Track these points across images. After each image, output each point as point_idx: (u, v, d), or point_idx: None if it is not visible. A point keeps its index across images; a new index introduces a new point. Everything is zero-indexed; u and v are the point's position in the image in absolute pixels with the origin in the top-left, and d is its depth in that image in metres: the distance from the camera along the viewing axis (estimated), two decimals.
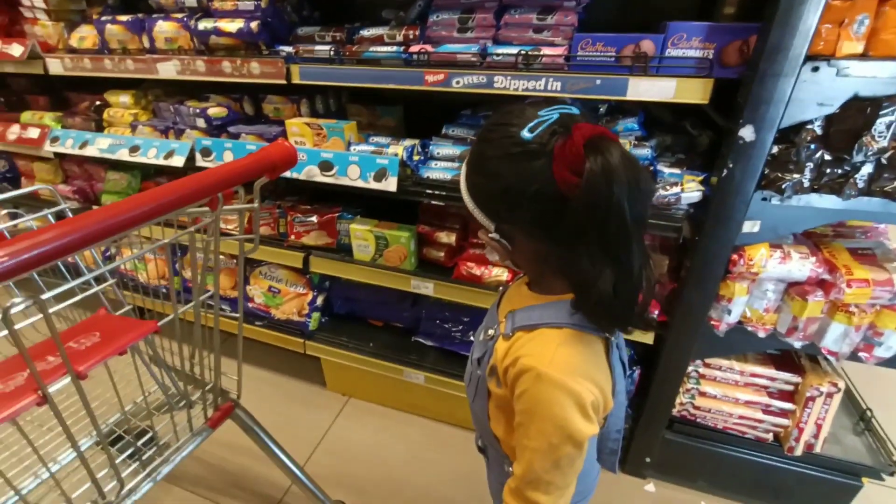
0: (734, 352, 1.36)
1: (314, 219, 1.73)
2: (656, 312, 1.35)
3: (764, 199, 1.09)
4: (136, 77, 1.70)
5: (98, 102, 1.88)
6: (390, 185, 1.41)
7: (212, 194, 0.72)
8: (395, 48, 1.37)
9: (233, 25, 1.46)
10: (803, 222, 1.11)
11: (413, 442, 1.75)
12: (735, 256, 1.16)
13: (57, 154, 1.93)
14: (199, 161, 1.65)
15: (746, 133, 1.01)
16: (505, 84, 1.25)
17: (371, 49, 1.39)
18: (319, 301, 1.89)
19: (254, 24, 1.44)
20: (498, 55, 1.25)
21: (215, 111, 1.65)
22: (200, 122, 1.64)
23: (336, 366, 1.87)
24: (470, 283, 1.53)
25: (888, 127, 0.94)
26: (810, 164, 1.01)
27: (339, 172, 1.46)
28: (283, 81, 1.48)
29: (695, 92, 1.09)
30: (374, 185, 1.43)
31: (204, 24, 1.50)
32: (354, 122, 1.53)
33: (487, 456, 0.87)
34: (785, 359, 1.40)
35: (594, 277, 0.56)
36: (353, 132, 1.52)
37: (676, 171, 1.22)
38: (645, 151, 1.23)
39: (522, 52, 1.21)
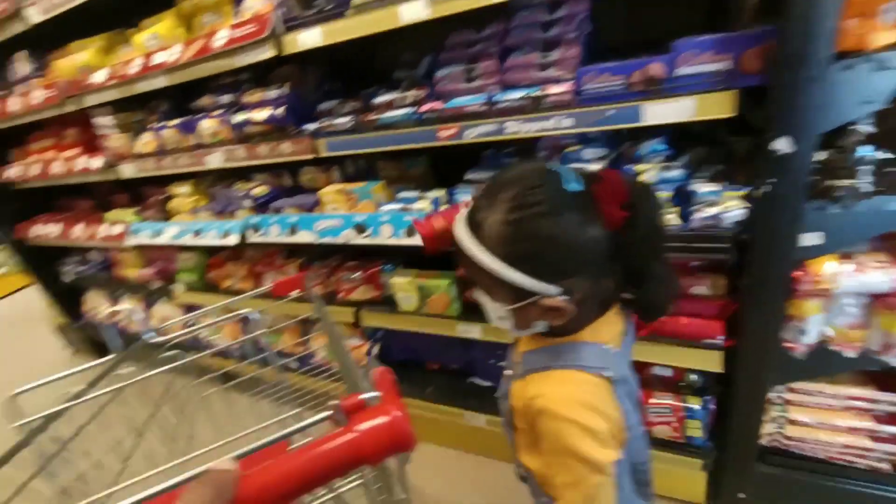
0: (821, 374, 1.21)
1: (359, 275, 1.80)
2: (721, 338, 1.25)
3: (819, 209, 0.98)
4: (190, 171, 1.90)
5: (164, 196, 2.12)
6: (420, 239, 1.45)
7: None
8: (407, 110, 1.42)
9: (262, 114, 1.60)
10: (874, 228, 0.98)
11: (487, 487, 1.73)
12: (798, 273, 1.05)
13: (136, 246, 2.19)
14: (252, 237, 1.79)
15: (782, 145, 0.92)
16: (516, 129, 1.24)
17: (386, 114, 1.45)
18: (375, 350, 1.95)
19: (279, 111, 1.57)
20: (505, 102, 1.25)
21: (258, 190, 1.80)
22: (247, 203, 1.80)
23: None
24: None
25: None
26: (866, 167, 0.90)
27: (373, 233, 1.52)
28: (312, 156, 1.59)
29: (719, 106, 1.02)
30: (406, 241, 1.47)
31: (238, 117, 1.65)
32: (382, 183, 1.59)
33: (529, 485, 0.90)
34: (890, 377, 1.22)
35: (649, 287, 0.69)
36: (381, 192, 1.59)
37: (714, 188, 1.13)
38: (675, 173, 1.16)
39: (529, 96, 1.21)
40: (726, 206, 1.08)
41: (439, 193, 1.54)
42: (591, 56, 1.22)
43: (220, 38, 1.48)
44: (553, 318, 0.66)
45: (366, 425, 0.37)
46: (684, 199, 1.16)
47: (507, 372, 0.79)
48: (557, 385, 0.67)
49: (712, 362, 1.26)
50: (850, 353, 1.11)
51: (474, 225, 0.65)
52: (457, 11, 1.14)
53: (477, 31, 1.37)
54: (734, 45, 0.98)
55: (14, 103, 2.14)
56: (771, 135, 0.92)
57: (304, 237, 1.65)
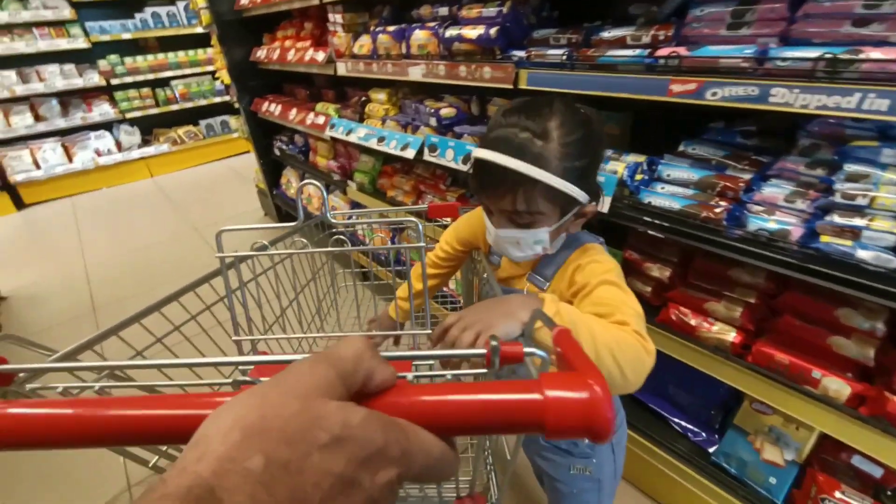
0: None
1: None
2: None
3: None
4: (393, 79, 1.96)
5: (363, 98, 2.27)
6: (604, 205, 1.26)
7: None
8: (638, 51, 1.19)
9: (474, 32, 1.51)
10: None
11: None
12: None
13: (332, 138, 2.42)
14: (426, 155, 1.81)
15: None
16: (788, 98, 0.93)
17: (609, 53, 1.24)
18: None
19: (493, 31, 1.46)
20: (784, 60, 0.94)
21: (446, 111, 1.77)
22: (433, 121, 1.80)
23: None
24: (679, 334, 1.26)
25: None
26: None
27: None
28: (511, 86, 1.47)
29: None
30: None
31: (450, 32, 1.60)
32: None
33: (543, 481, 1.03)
34: None
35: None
36: None
37: None
38: None
39: (828, 56, 0.87)
40: None
41: (640, 158, 1.30)
42: None
43: None
44: (579, 226, 0.83)
45: (559, 393, 0.28)
46: None
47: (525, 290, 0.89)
48: (600, 254, 0.84)
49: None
50: None
51: (530, 155, 0.69)
52: None
53: None
54: None
55: None
56: None
57: None
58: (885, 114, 0.82)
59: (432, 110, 1.80)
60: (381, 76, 2.01)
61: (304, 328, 1.21)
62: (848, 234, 0.89)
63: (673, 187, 1.20)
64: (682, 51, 1.10)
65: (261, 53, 2.92)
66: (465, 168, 1.64)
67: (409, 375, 0.46)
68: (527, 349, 0.38)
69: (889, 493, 1.07)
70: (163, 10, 5.39)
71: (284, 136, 3.25)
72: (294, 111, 2.70)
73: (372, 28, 2.02)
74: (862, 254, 0.87)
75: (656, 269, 1.37)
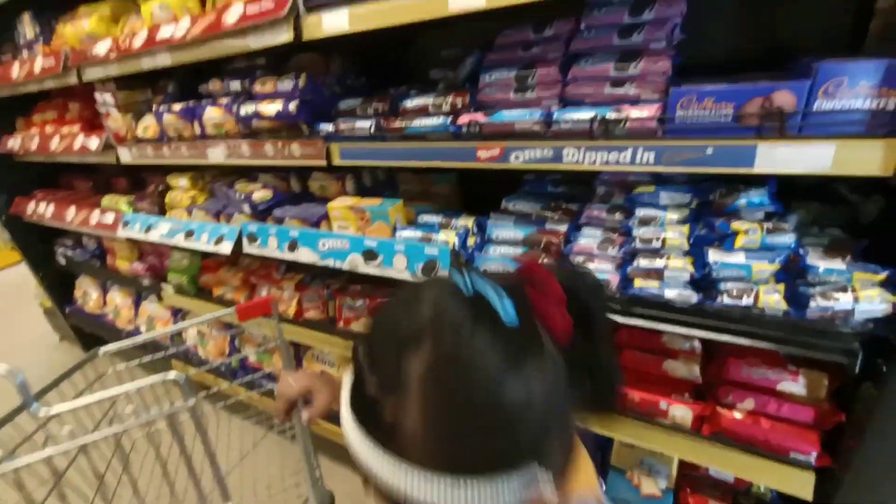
0: None
1: (364, 303, 1.56)
2: (814, 454, 0.96)
3: None
4: (190, 163, 1.69)
5: (161, 186, 1.91)
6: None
7: None
8: (442, 119, 1.17)
9: (272, 108, 1.37)
10: None
11: None
12: None
13: (128, 238, 1.98)
14: (247, 247, 1.56)
15: None
16: (577, 157, 0.98)
17: (416, 123, 1.21)
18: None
19: (292, 105, 1.33)
20: (566, 122, 0.99)
21: (260, 195, 1.57)
22: (246, 208, 1.57)
23: None
24: None
25: None
26: None
27: (385, 262, 1.27)
28: (324, 163, 1.35)
29: (868, 160, 0.74)
30: (423, 279, 1.22)
31: (246, 109, 1.43)
32: (401, 202, 1.34)
33: None
34: None
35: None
36: (399, 213, 1.34)
37: (839, 264, 0.85)
38: (786, 238, 0.88)
39: (600, 118, 0.94)
40: (860, 295, 0.79)
41: (467, 222, 1.28)
42: (681, 76, 0.95)
43: (233, 15, 1.26)
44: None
45: None
46: (794, 273, 0.88)
47: None
48: None
49: (800, 485, 0.97)
50: None
51: (377, 427, 0.42)
52: (519, 2, 0.89)
53: (535, 29, 1.11)
54: None
55: (17, 69, 1.97)
56: None
57: (304, 255, 1.41)
58: (654, 165, 0.90)
59: (243, 196, 1.57)
60: (175, 161, 1.72)
61: None
62: (654, 275, 0.95)
63: (504, 247, 1.20)
64: (480, 117, 1.11)
65: (13, 143, 2.31)
66: (293, 256, 1.44)
67: None
68: None
69: (744, 493, 1.16)
70: None
71: (69, 240, 2.60)
72: (73, 210, 2.17)
73: (155, 108, 1.73)
74: (668, 293, 0.93)
75: None
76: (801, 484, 0.97)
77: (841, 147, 0.75)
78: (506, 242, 1.20)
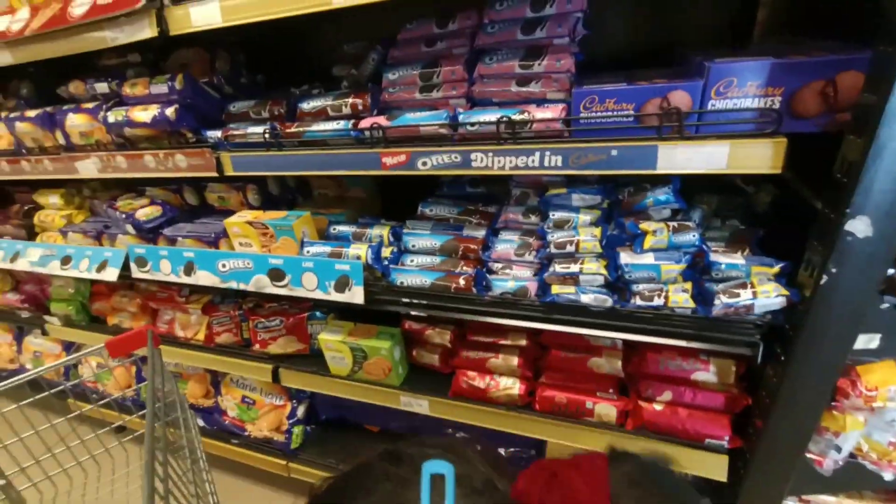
0: (846, 490, 0.99)
1: (280, 322, 1.43)
2: (726, 437, 1.00)
3: (892, 306, 0.73)
4: (57, 178, 1.44)
5: (27, 206, 1.63)
6: (355, 295, 1.10)
7: None
8: (343, 123, 1.07)
9: (146, 114, 1.18)
10: None
11: None
12: (845, 382, 0.80)
13: None
14: (136, 272, 1.37)
15: (858, 227, 0.66)
16: (486, 162, 0.92)
17: (314, 127, 1.09)
18: (300, 412, 1.58)
19: (170, 111, 1.16)
20: (473, 125, 0.93)
21: (146, 212, 1.37)
22: (130, 229, 1.37)
23: None
24: (473, 400, 1.20)
25: None
26: None
27: (293, 282, 1.16)
28: (215, 174, 1.19)
29: (759, 158, 0.75)
30: (335, 297, 1.12)
31: (116, 116, 1.23)
32: (307, 214, 1.22)
33: None
34: None
35: None
36: (306, 226, 1.22)
37: (738, 259, 0.87)
38: (690, 237, 0.88)
39: (505, 119, 0.89)
40: (758, 290, 0.81)
41: (382, 231, 1.20)
42: (584, 71, 0.92)
43: (81, 6, 1.06)
44: None
45: None
46: (700, 269, 0.89)
47: None
48: None
49: (715, 467, 1.01)
50: (889, 475, 0.89)
51: None
52: None
53: (439, 24, 1.03)
54: (793, 74, 0.71)
55: None
56: (846, 213, 0.65)
57: (204, 279, 1.26)
58: (562, 168, 0.87)
59: (125, 214, 1.37)
60: (37, 176, 1.46)
61: None
62: (570, 281, 0.93)
63: (421, 258, 1.13)
64: (383, 120, 1.02)
65: None
66: (191, 280, 1.28)
67: None
68: None
69: None
70: None
71: None
72: None
73: (6, 114, 1.45)
74: (584, 298, 0.91)
75: (437, 334, 1.29)
76: (717, 467, 1.01)
77: (734, 147, 0.75)
78: (423, 252, 1.14)
